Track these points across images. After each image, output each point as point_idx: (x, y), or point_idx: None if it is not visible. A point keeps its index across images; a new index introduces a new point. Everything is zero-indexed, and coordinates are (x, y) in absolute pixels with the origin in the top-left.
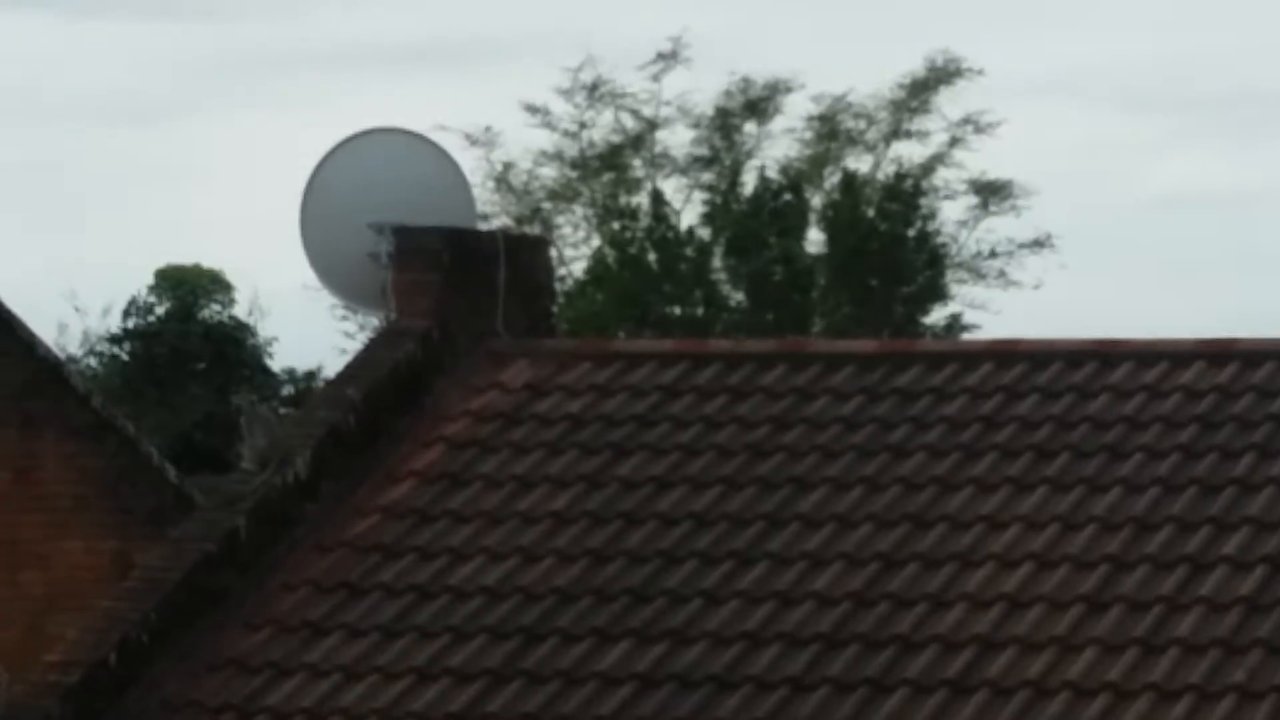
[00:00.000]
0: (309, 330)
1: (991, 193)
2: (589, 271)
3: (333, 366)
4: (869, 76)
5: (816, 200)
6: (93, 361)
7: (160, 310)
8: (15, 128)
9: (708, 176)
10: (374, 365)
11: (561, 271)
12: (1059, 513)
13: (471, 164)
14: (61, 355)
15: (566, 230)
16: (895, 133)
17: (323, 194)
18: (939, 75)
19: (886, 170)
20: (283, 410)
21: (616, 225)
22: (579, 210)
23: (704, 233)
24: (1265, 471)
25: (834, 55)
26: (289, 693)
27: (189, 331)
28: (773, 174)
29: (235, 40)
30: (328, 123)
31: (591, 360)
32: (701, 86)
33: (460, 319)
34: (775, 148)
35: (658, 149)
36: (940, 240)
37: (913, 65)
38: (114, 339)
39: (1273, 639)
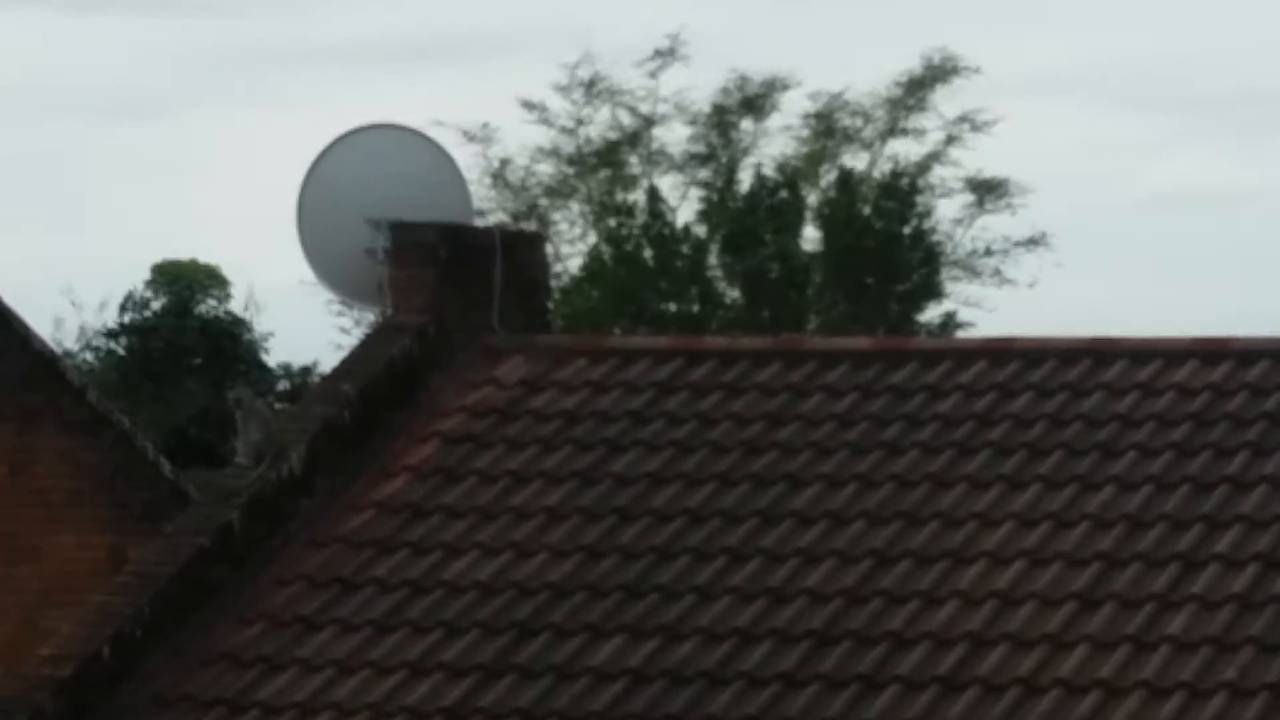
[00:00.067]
0: (305, 326)
1: (987, 191)
2: (585, 268)
3: (329, 362)
4: (866, 74)
5: (812, 198)
6: (89, 356)
7: (157, 305)
8: (14, 122)
9: (704, 173)
10: (369, 361)
11: (557, 268)
12: (1052, 510)
13: (468, 160)
14: (58, 350)
15: (563, 227)
16: (891, 131)
17: (320, 189)
18: (936, 73)
19: (883, 168)
20: (278, 405)
21: (613, 222)
22: (575, 207)
23: (700, 230)
24: (1258, 469)
25: (831, 53)
26: (281, 687)
27: (185, 326)
28: (769, 171)
29: (234, 36)
30: (326, 119)
31: (586, 356)
32: (699, 84)
33: (456, 315)
34: (772, 145)
35: (654, 146)
36: (936, 238)
37: (910, 63)
38: (110, 334)
39: (1265, 637)
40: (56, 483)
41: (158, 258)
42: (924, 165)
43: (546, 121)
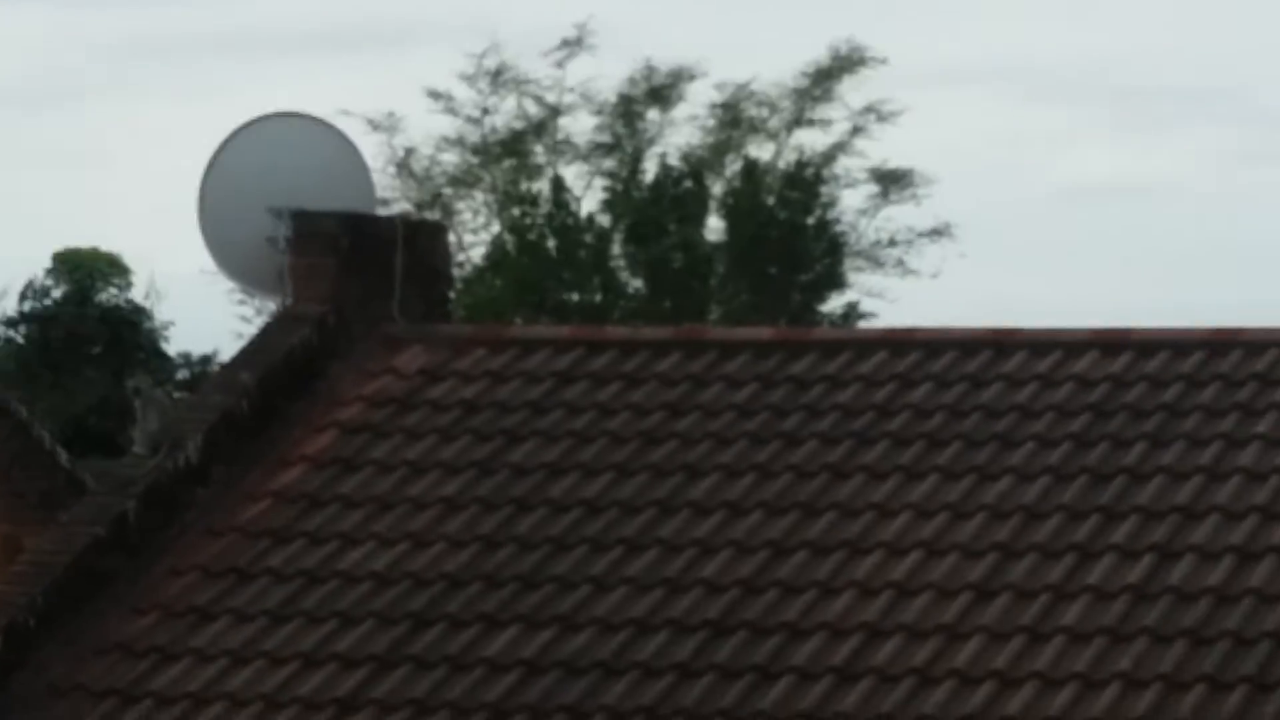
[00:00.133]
0: (206, 315)
1: (892, 181)
2: (488, 257)
3: (229, 351)
4: (774, 65)
5: (717, 188)
6: None
7: (57, 294)
8: None
9: (609, 163)
10: (268, 350)
11: (461, 257)
12: (949, 501)
13: (374, 149)
14: None
15: (467, 216)
16: (798, 121)
17: (222, 178)
18: (843, 64)
19: (788, 158)
20: (178, 394)
21: (516, 211)
22: (480, 196)
23: (604, 219)
24: (1155, 460)
25: (739, 44)
26: (174, 677)
27: (85, 315)
28: (674, 161)
29: (138, 25)
30: (230, 107)
31: (486, 346)
32: (605, 74)
33: (357, 304)
34: (677, 135)
35: (560, 136)
36: (840, 229)
37: (818, 54)
38: (9, 322)
39: (1159, 627)
40: None
41: (59, 246)
42: (829, 156)
43: (452, 111)
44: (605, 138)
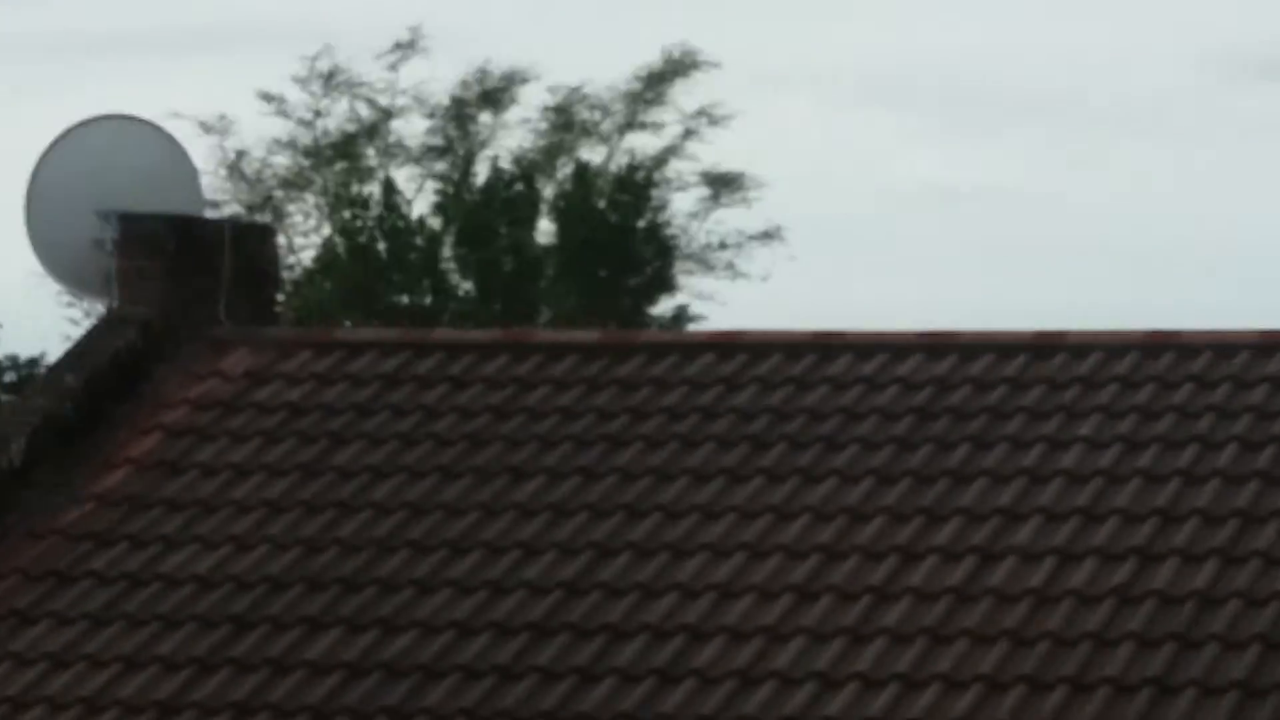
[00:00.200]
0: (33, 317)
1: (723, 185)
2: (318, 260)
3: (57, 354)
4: (608, 69)
5: (549, 191)
6: None
7: None
8: None
9: (441, 166)
10: (94, 353)
11: (291, 260)
12: (773, 503)
13: (206, 152)
14: None
15: (298, 219)
16: (630, 124)
17: (48, 181)
18: (676, 68)
19: (619, 161)
20: (3, 397)
21: (347, 214)
22: (311, 199)
23: (435, 222)
24: (978, 463)
25: (574, 48)
26: None
27: None
28: (506, 164)
29: None
30: (58, 110)
31: (313, 349)
32: (439, 76)
33: (184, 307)
34: (510, 138)
35: (392, 138)
36: (670, 232)
37: (651, 58)
38: None
39: (980, 628)
40: None
41: None
42: (661, 159)
43: (284, 113)
44: (437, 141)
